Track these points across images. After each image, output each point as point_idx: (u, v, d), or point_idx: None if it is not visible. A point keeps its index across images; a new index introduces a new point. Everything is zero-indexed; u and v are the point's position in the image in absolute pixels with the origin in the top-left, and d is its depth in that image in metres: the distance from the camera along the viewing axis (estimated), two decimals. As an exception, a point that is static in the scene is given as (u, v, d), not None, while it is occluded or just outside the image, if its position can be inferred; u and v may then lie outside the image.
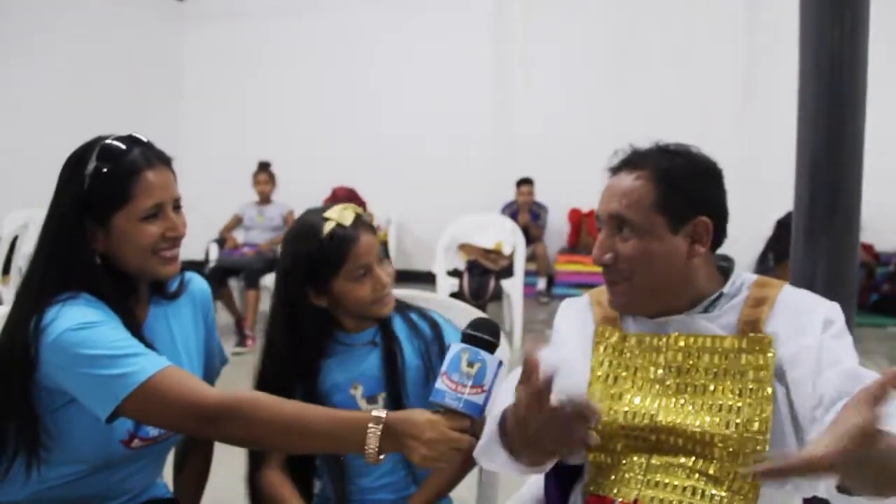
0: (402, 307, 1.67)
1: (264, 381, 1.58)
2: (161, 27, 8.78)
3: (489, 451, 1.30)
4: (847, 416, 0.87)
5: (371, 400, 1.59)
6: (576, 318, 1.47)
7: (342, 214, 1.54)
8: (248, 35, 8.77)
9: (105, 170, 1.32)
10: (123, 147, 1.35)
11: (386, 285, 1.55)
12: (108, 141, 1.35)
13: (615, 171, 1.36)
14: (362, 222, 1.56)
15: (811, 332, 1.24)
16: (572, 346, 1.42)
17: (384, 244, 1.65)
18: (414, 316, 1.66)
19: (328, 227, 1.52)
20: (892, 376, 0.85)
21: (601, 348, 1.39)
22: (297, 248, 1.55)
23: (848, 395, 1.12)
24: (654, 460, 1.29)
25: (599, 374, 1.36)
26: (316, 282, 1.54)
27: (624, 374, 1.35)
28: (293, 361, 1.56)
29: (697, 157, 1.35)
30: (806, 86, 1.65)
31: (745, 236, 6.45)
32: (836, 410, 1.13)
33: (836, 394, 1.15)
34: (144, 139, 1.40)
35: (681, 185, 1.30)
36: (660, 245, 1.29)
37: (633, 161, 1.34)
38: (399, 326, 1.63)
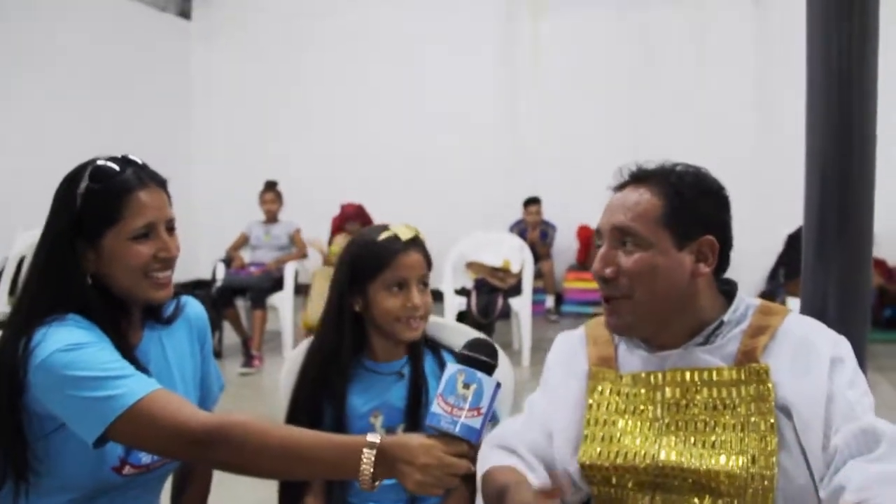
0: (436, 346, 1.71)
1: (302, 386, 1.63)
2: (168, 46, 8.81)
3: None
4: None
5: (390, 430, 1.60)
6: (567, 359, 1.43)
7: (402, 230, 1.61)
8: (253, 54, 8.80)
9: (96, 189, 1.31)
10: (116, 168, 1.34)
11: (417, 307, 1.58)
12: (101, 162, 1.35)
13: (622, 186, 1.33)
14: (418, 244, 1.62)
15: (818, 373, 1.20)
16: (563, 389, 1.38)
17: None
18: (446, 356, 1.68)
19: (384, 235, 1.59)
20: None
21: (596, 392, 1.34)
22: (350, 248, 1.64)
23: (860, 456, 1.11)
24: (659, 497, 1.24)
25: (596, 417, 1.31)
26: (355, 281, 1.59)
27: (622, 415, 1.30)
28: (333, 364, 1.61)
29: (707, 178, 1.32)
30: (813, 95, 1.61)
31: (756, 251, 6.39)
32: (848, 470, 1.11)
33: (849, 453, 1.12)
34: (139, 161, 1.38)
35: (689, 202, 1.27)
36: (664, 260, 1.25)
37: (641, 177, 1.31)
38: (429, 363, 1.66)
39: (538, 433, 1.37)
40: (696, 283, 1.28)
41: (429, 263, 1.63)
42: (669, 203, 1.26)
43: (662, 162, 1.33)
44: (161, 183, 1.39)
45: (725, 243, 1.30)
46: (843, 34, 1.56)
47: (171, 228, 1.39)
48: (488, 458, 1.31)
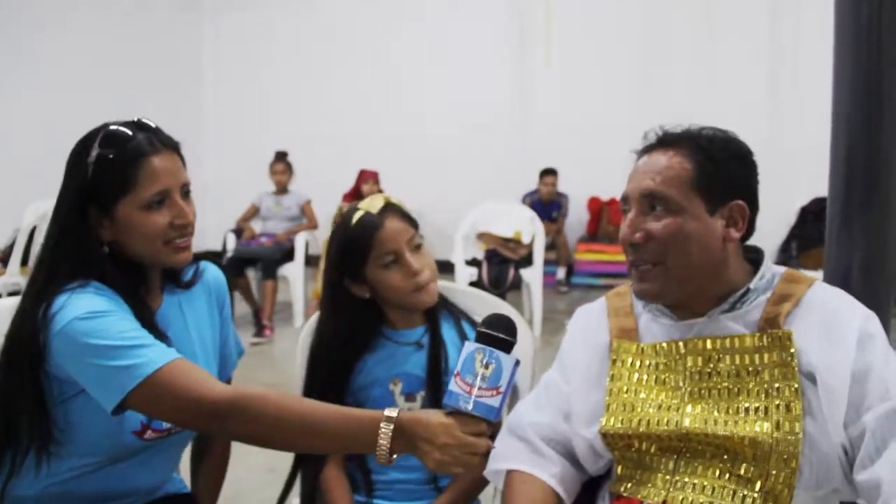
0: (456, 312, 1.68)
1: (314, 374, 1.62)
2: (179, 16, 8.75)
3: None
4: None
5: (409, 397, 1.59)
6: (587, 332, 1.42)
7: (371, 203, 1.55)
8: (265, 24, 8.73)
9: (108, 157, 1.27)
10: (128, 132, 1.30)
11: (418, 272, 1.53)
12: (113, 127, 1.31)
13: (648, 150, 1.30)
14: (392, 209, 1.55)
15: (845, 344, 1.17)
16: (583, 363, 1.37)
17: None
18: (465, 324, 1.66)
19: (357, 216, 1.53)
20: None
21: (618, 363, 1.33)
22: (333, 238, 1.58)
23: (892, 437, 1.09)
24: (683, 461, 1.24)
25: (619, 387, 1.31)
26: (351, 271, 1.55)
27: (644, 386, 1.29)
28: (339, 353, 1.59)
29: (736, 142, 1.29)
30: (840, 62, 1.57)
31: (769, 224, 6.34)
32: (889, 461, 1.09)
33: (881, 434, 1.11)
34: (152, 124, 1.35)
35: (720, 165, 1.24)
36: (696, 225, 1.23)
37: (669, 140, 1.28)
38: (447, 330, 1.63)
39: (552, 414, 1.37)
40: (726, 248, 1.26)
41: (413, 224, 1.57)
42: (700, 166, 1.23)
43: (689, 126, 1.30)
44: (174, 146, 1.35)
45: (753, 209, 1.28)
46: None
47: (186, 193, 1.36)
48: (502, 446, 1.30)
